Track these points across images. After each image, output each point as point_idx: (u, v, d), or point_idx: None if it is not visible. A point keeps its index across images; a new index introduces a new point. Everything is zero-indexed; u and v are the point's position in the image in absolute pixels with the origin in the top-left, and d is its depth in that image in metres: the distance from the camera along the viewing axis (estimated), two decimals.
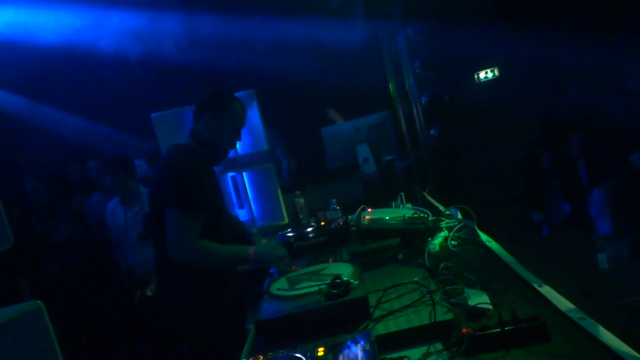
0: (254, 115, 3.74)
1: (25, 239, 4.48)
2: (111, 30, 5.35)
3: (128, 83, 5.89)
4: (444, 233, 2.51)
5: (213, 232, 2.43)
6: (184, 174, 2.40)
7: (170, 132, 4.28)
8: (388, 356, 1.48)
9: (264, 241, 2.75)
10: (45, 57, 5.36)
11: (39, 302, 1.19)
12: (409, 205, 3.19)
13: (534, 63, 6.11)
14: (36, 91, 6.02)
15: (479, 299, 1.62)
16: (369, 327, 1.65)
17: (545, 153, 6.01)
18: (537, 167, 6.07)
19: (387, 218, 2.73)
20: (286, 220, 3.66)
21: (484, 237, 2.43)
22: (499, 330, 1.42)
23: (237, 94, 2.78)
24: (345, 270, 2.03)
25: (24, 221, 4.64)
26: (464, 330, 1.43)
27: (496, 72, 6.33)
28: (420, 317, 1.64)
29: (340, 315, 1.77)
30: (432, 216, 2.75)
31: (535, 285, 1.73)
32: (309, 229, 3.05)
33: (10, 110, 5.93)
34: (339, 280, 1.86)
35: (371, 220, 2.79)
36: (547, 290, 1.68)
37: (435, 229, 2.58)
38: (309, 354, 1.48)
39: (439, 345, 1.48)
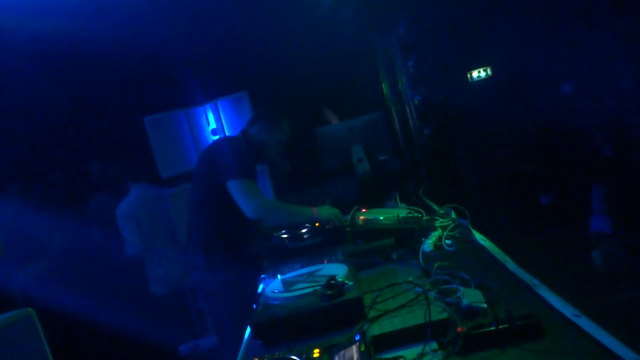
0: (247, 116, 3.76)
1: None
2: (100, 31, 5.32)
3: (119, 85, 5.86)
4: (438, 232, 2.51)
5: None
6: (238, 150, 2.95)
7: (163, 135, 4.29)
8: (384, 356, 1.48)
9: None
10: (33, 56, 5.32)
11: (30, 309, 1.19)
12: (403, 204, 3.19)
13: (526, 62, 6.12)
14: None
15: (474, 298, 1.62)
16: (364, 327, 1.65)
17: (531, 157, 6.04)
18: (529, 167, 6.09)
19: (381, 218, 2.73)
20: None
21: (478, 236, 2.44)
22: (493, 328, 1.42)
23: (230, 96, 3.04)
24: (339, 271, 2.03)
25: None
26: (459, 329, 1.43)
27: (489, 72, 6.35)
28: (415, 317, 1.64)
29: (336, 316, 1.77)
30: (426, 216, 2.75)
31: (530, 284, 1.73)
32: (304, 230, 3.05)
33: None
34: (333, 282, 1.85)
35: (365, 220, 2.79)
36: (541, 288, 1.68)
37: (429, 229, 2.58)
38: (304, 356, 1.48)
39: (434, 345, 1.48)
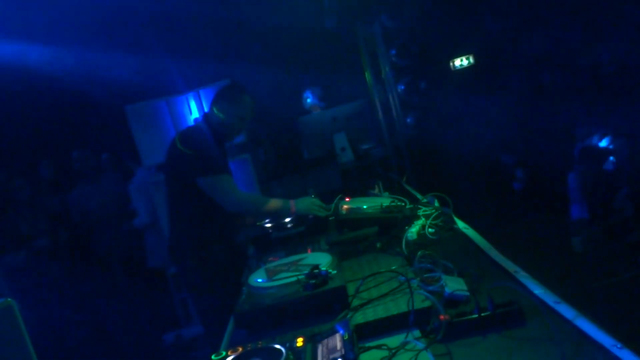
0: None
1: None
2: (82, 18, 5.24)
3: (99, 74, 5.78)
4: (422, 221, 2.53)
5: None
6: (202, 143, 2.86)
7: (144, 123, 4.25)
8: (367, 344, 1.49)
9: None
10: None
11: (9, 299, 1.17)
12: (386, 193, 3.20)
13: (508, 49, 6.15)
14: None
15: (456, 286, 1.64)
16: (348, 316, 1.65)
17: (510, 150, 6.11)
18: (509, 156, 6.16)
19: (364, 207, 2.73)
20: None
21: (460, 224, 2.45)
22: (476, 316, 1.44)
23: (213, 84, 2.99)
24: (323, 260, 2.03)
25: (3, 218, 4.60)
26: (442, 317, 1.44)
27: (471, 60, 6.37)
28: (398, 305, 1.65)
29: (319, 305, 1.78)
30: (410, 204, 2.76)
31: (512, 271, 1.75)
32: (287, 219, 3.04)
33: None
34: (317, 271, 1.86)
35: (349, 209, 2.79)
36: (523, 276, 1.70)
37: (412, 217, 2.59)
38: (288, 345, 1.48)
39: (417, 333, 1.49)
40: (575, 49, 5.82)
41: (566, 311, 1.41)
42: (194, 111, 4.68)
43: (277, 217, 3.07)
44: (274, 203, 2.94)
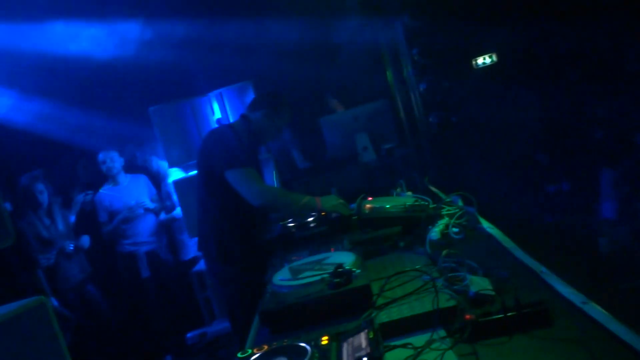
0: None
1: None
2: (110, 30, 5.36)
3: (126, 77, 5.86)
4: (445, 220, 2.51)
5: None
6: (231, 139, 2.95)
7: (168, 124, 4.29)
8: (392, 343, 1.49)
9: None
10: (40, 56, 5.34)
11: (42, 297, 1.18)
12: (409, 193, 3.18)
13: (532, 48, 6.07)
14: (28, 86, 5.98)
15: (482, 286, 1.63)
16: (372, 315, 1.65)
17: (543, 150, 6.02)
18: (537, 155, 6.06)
19: (387, 206, 2.72)
20: None
21: (485, 223, 2.44)
22: (501, 316, 1.43)
23: (235, 85, 3.03)
24: (347, 259, 2.03)
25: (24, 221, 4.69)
26: (467, 316, 1.43)
27: (494, 58, 6.30)
28: (423, 305, 1.65)
29: (343, 304, 1.78)
30: (433, 204, 2.74)
31: (538, 271, 1.74)
32: (310, 219, 3.05)
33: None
34: (341, 269, 1.86)
35: (372, 209, 2.78)
36: (549, 276, 1.68)
37: (436, 217, 2.58)
38: (313, 343, 1.49)
39: (442, 332, 1.48)
40: (601, 46, 5.73)
41: (594, 312, 1.39)
42: (216, 112, 4.72)
43: (301, 213, 3.09)
44: (299, 197, 2.96)
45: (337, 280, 1.82)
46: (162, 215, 5.26)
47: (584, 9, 5.58)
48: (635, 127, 5.02)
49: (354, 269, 1.89)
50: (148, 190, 5.30)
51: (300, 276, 1.99)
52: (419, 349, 1.41)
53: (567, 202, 5.57)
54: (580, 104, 5.65)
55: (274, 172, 4.65)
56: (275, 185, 4.23)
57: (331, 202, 2.94)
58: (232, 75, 4.97)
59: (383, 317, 1.64)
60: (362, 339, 1.42)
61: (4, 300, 1.22)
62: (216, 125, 4.69)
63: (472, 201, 2.59)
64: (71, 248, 4.77)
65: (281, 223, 3.16)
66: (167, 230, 5.40)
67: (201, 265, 4.89)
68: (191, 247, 5.27)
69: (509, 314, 1.43)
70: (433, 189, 3.45)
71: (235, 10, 5.82)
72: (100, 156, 5.15)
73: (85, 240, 4.97)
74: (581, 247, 4.58)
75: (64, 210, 5.06)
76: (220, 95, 4.69)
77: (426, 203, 2.74)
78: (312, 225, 2.98)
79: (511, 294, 1.48)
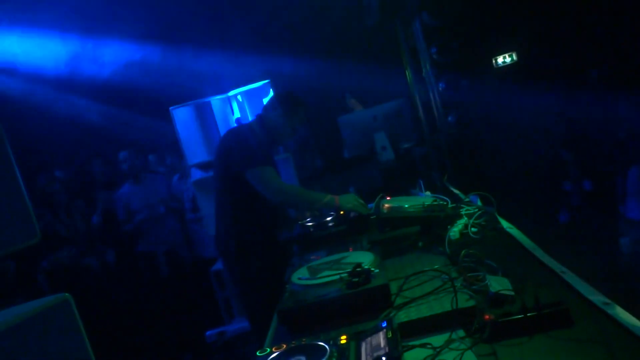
0: None
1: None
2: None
3: (147, 78, 5.93)
4: (464, 220, 2.50)
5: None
6: (249, 139, 3.00)
7: (188, 124, 4.33)
8: (411, 343, 1.49)
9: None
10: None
11: (67, 294, 1.18)
12: (428, 192, 3.17)
13: (553, 46, 6.01)
14: (60, 81, 6.07)
15: (501, 286, 1.62)
16: (391, 314, 1.66)
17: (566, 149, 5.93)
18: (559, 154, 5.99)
19: (406, 206, 2.71)
20: None
21: (504, 223, 2.42)
22: (521, 316, 1.42)
23: (254, 85, 3.05)
24: (365, 259, 2.04)
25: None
26: (487, 316, 1.43)
27: (514, 57, 6.25)
28: (442, 304, 1.64)
29: (362, 303, 1.78)
30: (452, 203, 2.73)
31: (558, 271, 1.72)
32: (328, 218, 3.06)
33: (33, 101, 6.01)
34: (359, 269, 1.86)
35: (390, 208, 2.78)
36: (569, 276, 1.67)
37: (455, 216, 2.57)
38: (331, 342, 1.49)
39: (461, 332, 1.48)
40: (622, 44, 5.65)
41: (615, 312, 1.38)
42: (235, 111, 4.75)
43: (319, 211, 3.11)
44: (318, 196, 2.97)
45: (356, 279, 1.82)
46: (189, 215, 5.31)
47: (606, 8, 5.50)
48: None
49: (372, 269, 1.89)
50: (168, 189, 5.36)
51: (319, 275, 2.00)
52: (438, 349, 1.41)
53: (588, 202, 5.50)
54: (602, 103, 5.57)
55: (293, 171, 4.67)
56: (294, 184, 4.25)
57: (350, 201, 2.93)
58: (252, 75, 5.00)
59: (402, 316, 1.64)
60: (380, 338, 1.42)
61: (27, 298, 1.22)
62: (235, 125, 4.73)
63: (491, 201, 2.57)
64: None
65: (300, 222, 3.17)
66: (186, 229, 5.45)
67: (220, 265, 4.93)
68: (210, 246, 5.32)
69: (529, 314, 1.42)
70: (452, 188, 3.44)
71: (253, 11, 5.86)
72: (121, 155, 5.21)
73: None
74: (602, 247, 4.52)
75: (83, 209, 5.13)
76: (239, 95, 4.72)
77: (445, 203, 2.72)
78: (330, 224, 2.99)
79: (531, 294, 1.47)
